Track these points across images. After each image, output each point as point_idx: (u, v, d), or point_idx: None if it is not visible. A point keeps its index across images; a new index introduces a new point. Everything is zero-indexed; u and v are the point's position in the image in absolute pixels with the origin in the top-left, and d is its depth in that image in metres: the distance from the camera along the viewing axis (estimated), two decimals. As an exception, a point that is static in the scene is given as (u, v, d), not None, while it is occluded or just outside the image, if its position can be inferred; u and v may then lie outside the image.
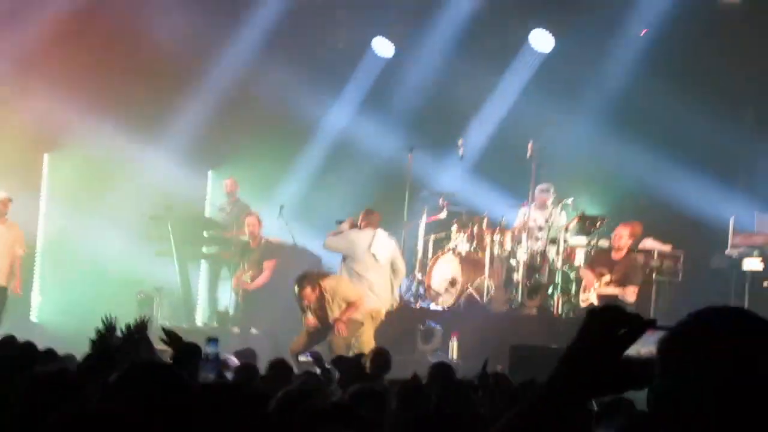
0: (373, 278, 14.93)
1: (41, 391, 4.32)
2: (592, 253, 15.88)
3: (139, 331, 8.42)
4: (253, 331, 16.90)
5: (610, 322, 2.23)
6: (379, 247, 15.05)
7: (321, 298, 14.16)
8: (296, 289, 14.29)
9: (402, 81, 19.46)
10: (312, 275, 14.53)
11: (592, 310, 2.26)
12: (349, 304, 14.18)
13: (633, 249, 15.34)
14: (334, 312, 14.10)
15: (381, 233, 15.16)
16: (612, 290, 14.69)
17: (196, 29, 18.57)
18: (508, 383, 7.70)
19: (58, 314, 16.22)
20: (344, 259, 15.12)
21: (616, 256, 14.91)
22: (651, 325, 2.24)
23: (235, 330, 17.20)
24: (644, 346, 2.24)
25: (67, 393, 4.38)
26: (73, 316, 16.11)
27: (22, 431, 4.19)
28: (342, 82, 19.95)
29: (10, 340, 8.87)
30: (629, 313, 2.25)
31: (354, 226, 15.31)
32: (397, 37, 19.50)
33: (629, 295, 14.62)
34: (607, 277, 14.75)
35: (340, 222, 15.66)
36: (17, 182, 18.00)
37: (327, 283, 14.27)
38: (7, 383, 5.38)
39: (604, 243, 15.92)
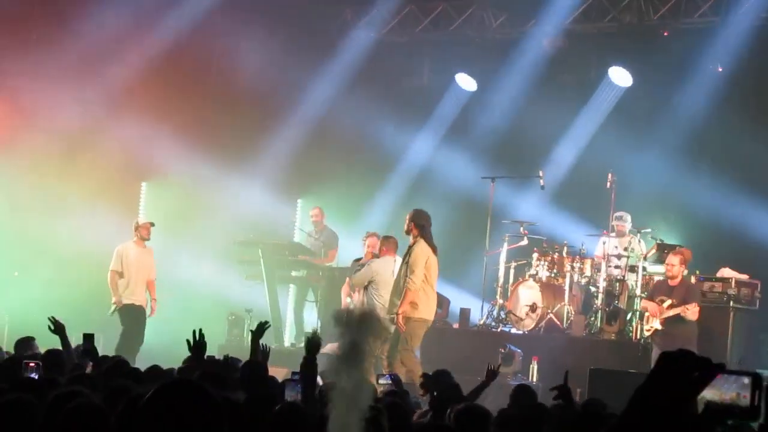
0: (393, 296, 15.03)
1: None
2: (650, 284, 16.15)
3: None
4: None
5: (681, 366, 2.25)
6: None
7: None
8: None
9: (484, 114, 19.95)
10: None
11: (663, 354, 2.28)
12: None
13: (687, 274, 15.46)
14: None
15: (399, 259, 15.34)
16: (674, 311, 14.83)
17: (285, 63, 19.23)
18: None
19: (153, 334, 16.75)
20: (366, 287, 15.27)
21: (672, 283, 15.08)
22: (721, 369, 2.28)
23: (325, 350, 17.65)
24: (725, 391, 2.28)
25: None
26: (166, 335, 16.61)
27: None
28: (426, 115, 20.51)
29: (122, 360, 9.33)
30: (700, 357, 2.26)
31: (373, 256, 15.67)
32: (480, 73, 20.04)
33: (691, 314, 14.71)
34: (667, 302, 14.93)
35: (357, 260, 16.13)
36: (117, 208, 18.76)
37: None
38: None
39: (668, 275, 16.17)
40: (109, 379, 7.54)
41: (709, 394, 2.26)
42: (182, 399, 3.52)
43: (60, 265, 19.07)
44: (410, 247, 14.27)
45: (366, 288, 15.31)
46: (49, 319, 9.66)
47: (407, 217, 14.44)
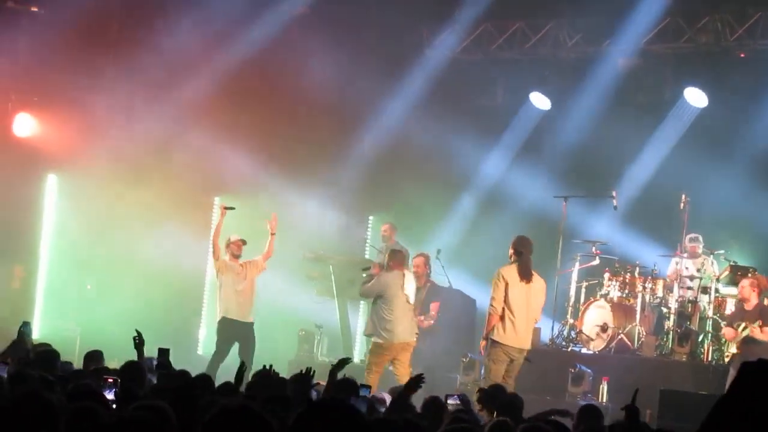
0: (403, 314, 15.24)
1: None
2: (722, 306, 16.04)
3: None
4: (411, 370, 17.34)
5: (763, 377, 2.27)
6: (409, 286, 15.38)
7: None
8: None
9: (558, 133, 19.93)
10: None
11: (744, 364, 2.33)
12: None
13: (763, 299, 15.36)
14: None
15: (408, 274, 15.55)
16: (748, 332, 14.69)
17: (360, 80, 19.29)
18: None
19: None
20: (375, 301, 15.37)
21: (747, 307, 14.94)
22: None
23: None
24: None
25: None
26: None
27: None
28: (499, 134, 20.52)
29: (183, 373, 9.37)
30: None
31: (380, 269, 15.75)
32: (554, 92, 20.01)
33: (764, 334, 14.52)
34: (743, 324, 14.81)
35: (366, 269, 16.18)
36: (190, 222, 18.96)
37: None
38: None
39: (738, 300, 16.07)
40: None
41: None
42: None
43: (133, 280, 19.26)
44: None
45: (374, 302, 15.41)
46: (136, 331, 9.71)
47: (511, 244, 14.40)
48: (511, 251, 14.17)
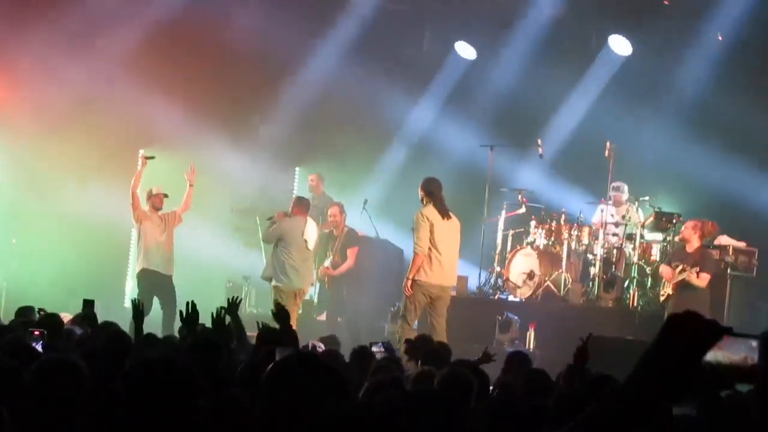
0: (303, 261, 15.53)
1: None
2: (669, 249, 16.23)
3: (231, 308, 9.01)
4: (338, 319, 17.44)
5: (688, 328, 2.26)
6: (310, 233, 15.63)
7: None
8: None
9: (483, 83, 19.96)
10: None
11: (671, 316, 2.29)
12: None
13: (706, 244, 15.53)
14: None
15: (310, 221, 15.77)
16: (682, 276, 14.85)
17: (284, 30, 19.15)
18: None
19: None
20: (276, 245, 15.58)
21: (688, 249, 15.12)
22: (728, 332, 2.26)
23: (322, 317, 17.79)
24: (733, 353, 2.26)
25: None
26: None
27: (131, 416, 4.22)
28: (425, 84, 20.52)
29: (109, 325, 9.36)
30: (707, 320, 2.27)
31: (285, 215, 15.90)
32: (480, 41, 20.00)
33: (696, 280, 14.68)
34: (680, 267, 14.97)
35: (270, 218, 16.21)
36: (116, 175, 18.75)
37: None
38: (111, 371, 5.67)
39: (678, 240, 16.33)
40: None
41: (716, 356, 2.26)
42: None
43: (59, 233, 19.11)
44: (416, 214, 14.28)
45: (275, 246, 15.57)
46: (132, 301, 9.58)
47: (420, 187, 14.41)
48: (422, 193, 14.21)
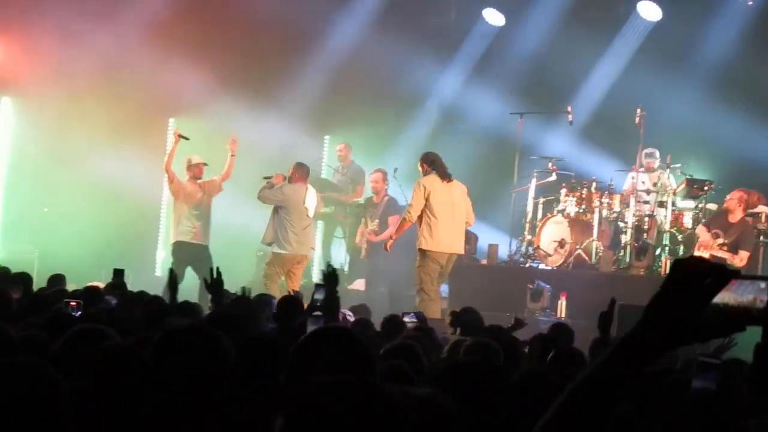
0: (302, 228, 15.66)
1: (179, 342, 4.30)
2: (701, 216, 16.16)
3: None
4: (382, 289, 17.40)
5: (694, 272, 2.26)
6: (310, 200, 15.75)
7: None
8: None
9: (512, 50, 19.86)
10: None
11: (676, 261, 2.30)
12: None
13: (748, 215, 15.46)
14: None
15: (310, 188, 15.92)
16: (723, 254, 14.74)
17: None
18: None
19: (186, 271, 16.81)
20: (276, 211, 15.71)
21: (731, 218, 15.01)
22: (735, 275, 2.26)
23: (353, 286, 17.77)
24: (741, 295, 2.26)
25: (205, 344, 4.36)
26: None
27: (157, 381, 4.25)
28: (453, 51, 20.44)
29: (140, 295, 9.42)
30: (714, 263, 2.27)
31: (284, 179, 15.95)
32: (508, 8, 19.90)
33: (739, 260, 14.63)
34: (720, 240, 14.84)
35: (268, 177, 16.19)
36: (144, 145, 18.83)
37: None
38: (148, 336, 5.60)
39: (711, 206, 16.24)
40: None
41: (723, 299, 2.25)
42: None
43: (90, 202, 19.18)
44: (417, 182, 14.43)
45: (276, 212, 15.71)
46: (169, 270, 9.59)
47: (419, 162, 14.62)
48: (425, 166, 14.39)
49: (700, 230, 15.30)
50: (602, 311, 7.74)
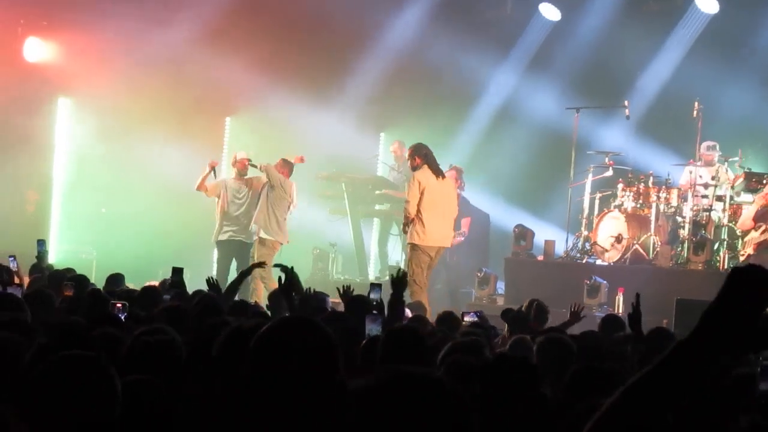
0: (284, 219, 16.14)
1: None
2: (737, 213, 16.03)
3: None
4: (438, 286, 17.39)
5: (753, 281, 2.23)
6: (295, 196, 16.23)
7: None
8: None
9: (568, 44, 19.78)
10: None
11: (734, 269, 2.27)
12: None
13: None
14: None
15: (294, 184, 16.31)
16: (765, 237, 14.61)
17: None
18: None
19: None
20: (268, 198, 15.95)
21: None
22: None
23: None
24: None
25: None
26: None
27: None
28: (509, 46, 20.37)
29: (197, 294, 9.48)
30: None
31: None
32: (564, 2, 19.82)
33: None
34: (762, 227, 14.73)
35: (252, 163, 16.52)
36: (201, 143, 18.95)
37: None
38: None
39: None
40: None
41: None
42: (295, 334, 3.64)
43: (147, 202, 19.34)
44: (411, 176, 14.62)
45: (268, 198, 15.96)
46: (207, 280, 9.66)
47: (408, 153, 14.70)
48: (417, 160, 14.42)
49: (745, 217, 15.13)
50: (629, 312, 7.84)
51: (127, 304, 7.87)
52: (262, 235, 15.83)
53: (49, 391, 3.79)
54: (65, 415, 3.76)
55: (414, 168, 14.39)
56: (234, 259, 16.44)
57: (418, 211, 14.17)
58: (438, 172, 14.39)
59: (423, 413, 2.50)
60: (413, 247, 14.28)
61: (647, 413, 2.27)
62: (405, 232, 14.60)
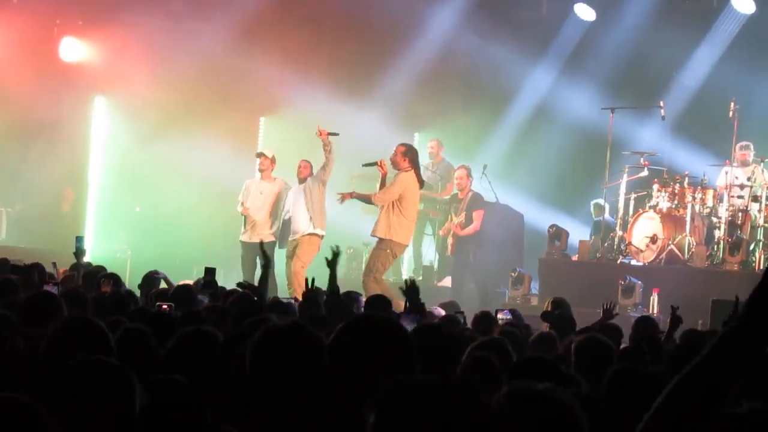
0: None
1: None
2: None
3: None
4: (471, 286, 17.38)
5: None
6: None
7: None
8: None
9: (603, 44, 19.70)
10: None
11: None
12: None
13: None
14: None
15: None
16: None
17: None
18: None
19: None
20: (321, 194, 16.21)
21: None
22: None
23: (442, 283, 17.79)
24: None
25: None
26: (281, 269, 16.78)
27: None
28: (544, 46, 20.30)
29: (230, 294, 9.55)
30: None
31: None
32: (599, 2, 19.74)
33: None
34: None
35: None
36: (236, 143, 18.99)
37: None
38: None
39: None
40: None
41: None
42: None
43: (182, 201, 19.41)
44: (397, 175, 15.06)
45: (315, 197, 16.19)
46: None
47: (399, 150, 15.07)
48: (406, 163, 15.03)
49: None
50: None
51: (173, 305, 7.91)
52: (319, 231, 15.86)
53: (71, 392, 3.82)
54: (87, 415, 3.78)
55: (396, 165, 15.04)
56: (257, 258, 16.44)
57: (399, 209, 14.85)
58: (420, 181, 15.22)
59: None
60: (388, 243, 14.88)
61: (702, 401, 2.29)
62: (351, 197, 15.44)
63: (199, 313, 7.48)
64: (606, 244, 17.30)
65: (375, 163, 15.84)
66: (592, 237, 17.96)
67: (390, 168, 15.49)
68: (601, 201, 18.00)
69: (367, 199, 15.15)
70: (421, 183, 15.04)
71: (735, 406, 4.60)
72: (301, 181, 16.30)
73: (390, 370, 3.50)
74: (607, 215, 17.79)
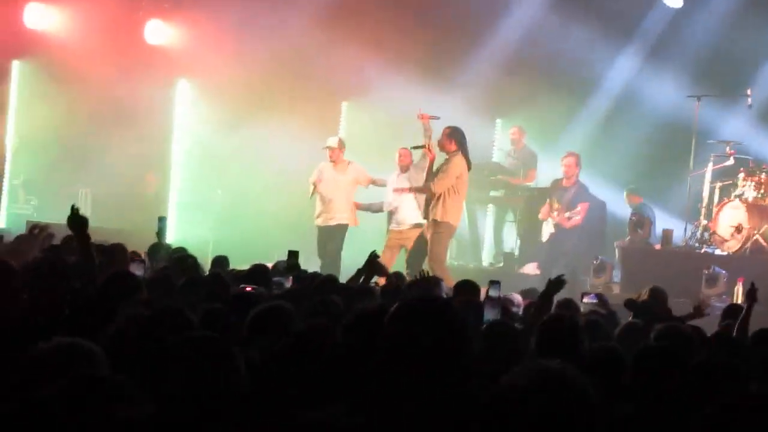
0: None
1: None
2: None
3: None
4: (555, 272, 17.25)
5: None
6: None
7: None
8: None
9: (689, 32, 19.48)
10: None
11: None
12: None
13: None
14: None
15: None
16: None
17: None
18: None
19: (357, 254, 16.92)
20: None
21: None
22: None
23: (523, 270, 17.67)
24: None
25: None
26: (354, 251, 16.81)
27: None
28: (629, 33, 20.12)
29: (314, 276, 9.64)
30: None
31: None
32: (687, -12, 19.55)
33: None
34: None
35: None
36: (317, 128, 19.00)
37: None
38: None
39: None
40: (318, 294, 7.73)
41: None
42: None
43: (264, 185, 19.48)
44: (449, 159, 14.91)
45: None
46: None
47: (445, 132, 15.05)
48: (453, 145, 14.95)
49: None
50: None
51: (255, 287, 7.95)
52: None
53: (174, 368, 3.85)
54: (187, 390, 3.80)
55: (443, 148, 14.93)
56: (327, 243, 16.47)
57: (455, 192, 14.77)
58: (470, 165, 15.06)
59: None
60: (445, 227, 14.76)
61: None
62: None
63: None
64: (689, 234, 17.10)
65: (423, 146, 15.68)
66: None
67: (437, 151, 15.38)
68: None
69: (425, 191, 14.96)
70: (469, 164, 14.91)
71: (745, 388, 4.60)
72: (403, 169, 16.15)
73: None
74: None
